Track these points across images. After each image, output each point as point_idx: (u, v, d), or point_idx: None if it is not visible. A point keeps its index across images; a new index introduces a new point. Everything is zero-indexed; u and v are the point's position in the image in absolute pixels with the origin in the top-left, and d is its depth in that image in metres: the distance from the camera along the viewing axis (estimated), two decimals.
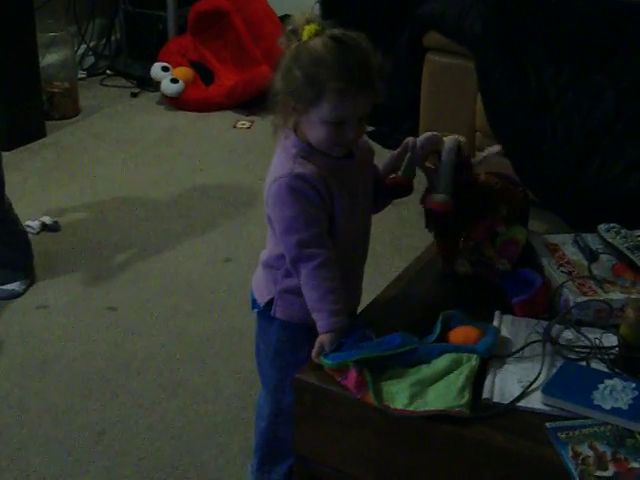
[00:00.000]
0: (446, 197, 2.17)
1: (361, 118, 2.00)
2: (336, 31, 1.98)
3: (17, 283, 3.40)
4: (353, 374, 1.93)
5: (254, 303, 2.26)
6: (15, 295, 3.38)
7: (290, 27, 1.99)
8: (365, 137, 2.20)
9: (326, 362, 1.97)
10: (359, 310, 2.27)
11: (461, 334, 2.05)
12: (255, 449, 2.43)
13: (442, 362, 1.96)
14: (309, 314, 2.07)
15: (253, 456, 2.44)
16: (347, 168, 2.09)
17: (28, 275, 3.45)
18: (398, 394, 1.91)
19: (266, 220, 2.14)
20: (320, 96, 1.94)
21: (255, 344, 2.32)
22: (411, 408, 1.88)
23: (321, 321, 2.02)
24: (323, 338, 2.00)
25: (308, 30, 1.96)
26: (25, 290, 3.41)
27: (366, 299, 2.30)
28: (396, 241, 3.68)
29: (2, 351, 3.09)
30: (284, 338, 2.21)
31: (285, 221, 2.04)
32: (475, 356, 1.96)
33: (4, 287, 3.37)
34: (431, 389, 1.92)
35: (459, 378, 1.91)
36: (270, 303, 2.19)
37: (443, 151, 2.19)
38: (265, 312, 2.22)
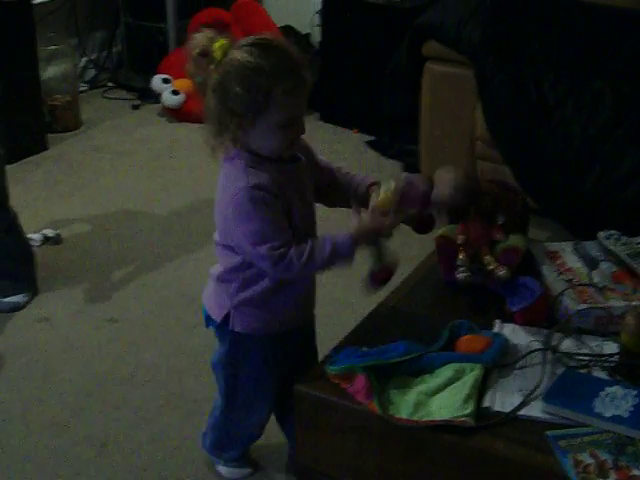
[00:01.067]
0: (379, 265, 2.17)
1: (303, 114, 2.05)
2: (249, 39, 1.99)
3: (20, 295, 3.40)
4: (362, 381, 1.93)
5: (208, 320, 2.29)
6: (17, 308, 3.38)
7: (196, 50, 1.98)
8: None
9: (332, 369, 1.97)
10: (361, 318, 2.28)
11: (468, 343, 2.05)
12: (207, 431, 2.55)
13: (446, 372, 1.97)
14: (265, 323, 2.18)
15: (204, 436, 2.56)
16: (296, 170, 2.12)
17: (31, 287, 3.46)
18: (402, 404, 1.91)
19: (216, 237, 2.18)
20: (268, 103, 1.95)
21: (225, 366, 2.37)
22: (415, 418, 1.88)
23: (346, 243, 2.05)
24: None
25: (219, 46, 1.96)
26: (27, 303, 3.41)
27: (367, 309, 2.30)
28: (395, 251, 3.67)
29: (4, 364, 3.09)
30: (237, 349, 2.26)
31: (252, 234, 2.02)
32: (479, 365, 1.97)
33: (6, 300, 3.37)
34: (435, 399, 1.92)
35: (463, 388, 1.91)
36: (226, 317, 2.21)
37: None
38: (221, 327, 2.25)
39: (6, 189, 3.34)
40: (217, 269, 2.22)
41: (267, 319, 2.19)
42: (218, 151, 2.07)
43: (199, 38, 1.99)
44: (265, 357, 2.25)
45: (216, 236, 2.19)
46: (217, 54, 1.96)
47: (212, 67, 1.97)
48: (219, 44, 1.97)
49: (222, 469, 2.57)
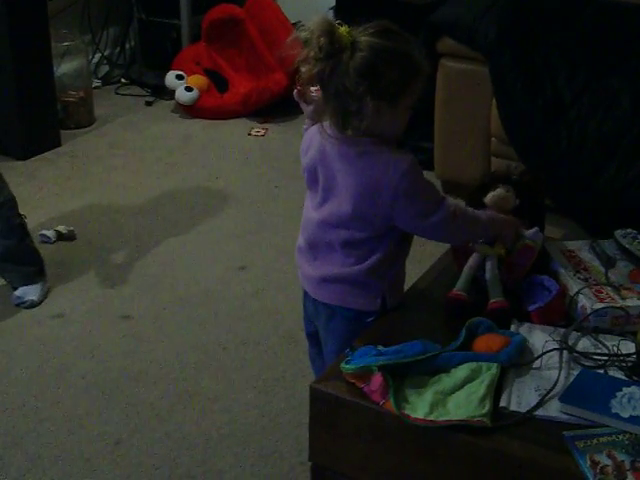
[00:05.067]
0: (500, 299, 2.20)
1: None
2: (373, 25, 2.05)
3: (37, 292, 3.40)
4: (378, 380, 1.91)
5: (358, 315, 2.22)
6: (33, 305, 3.38)
7: (324, 37, 1.97)
8: None
9: (348, 367, 1.96)
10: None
11: (485, 342, 2.03)
12: None
13: (462, 371, 1.95)
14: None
15: None
16: None
17: (45, 286, 3.46)
18: (418, 403, 1.89)
19: (348, 234, 2.15)
20: (413, 83, 2.03)
21: (329, 341, 2.32)
22: (431, 417, 1.86)
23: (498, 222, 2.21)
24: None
25: (347, 32, 2.00)
26: (42, 300, 3.41)
27: None
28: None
29: (18, 360, 3.10)
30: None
31: (430, 202, 2.10)
32: (496, 365, 1.95)
33: (24, 297, 3.38)
34: (451, 398, 1.90)
35: (480, 387, 1.90)
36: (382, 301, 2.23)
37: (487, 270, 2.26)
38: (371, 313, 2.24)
39: (14, 198, 3.35)
40: (359, 268, 2.18)
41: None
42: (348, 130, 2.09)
43: (318, 24, 1.99)
44: None
45: (345, 234, 2.15)
46: (345, 40, 1.99)
47: (347, 52, 1.99)
48: (345, 30, 2.01)
49: None
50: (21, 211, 3.43)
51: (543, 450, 1.79)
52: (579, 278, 2.27)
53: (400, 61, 2.02)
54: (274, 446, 2.69)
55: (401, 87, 2.02)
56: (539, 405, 1.88)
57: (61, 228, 3.87)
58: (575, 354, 2.03)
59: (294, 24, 5.08)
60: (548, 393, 1.91)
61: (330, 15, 5.01)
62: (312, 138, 2.20)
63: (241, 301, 3.44)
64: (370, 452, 1.96)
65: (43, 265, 3.48)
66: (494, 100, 3.74)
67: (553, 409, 1.88)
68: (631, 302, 2.16)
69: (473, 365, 1.95)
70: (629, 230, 2.45)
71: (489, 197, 2.34)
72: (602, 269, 2.32)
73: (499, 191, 2.33)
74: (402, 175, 2.05)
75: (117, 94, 5.53)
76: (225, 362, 3.08)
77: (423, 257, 2.93)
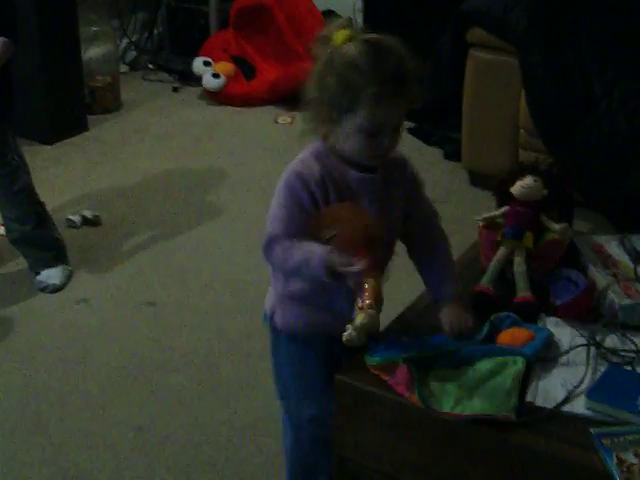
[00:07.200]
0: (527, 293, 2.18)
1: (397, 127, 1.91)
2: (371, 35, 1.90)
3: (59, 275, 3.40)
4: (403, 372, 1.90)
5: (265, 316, 2.19)
6: (57, 289, 3.39)
7: (323, 33, 1.90)
8: (408, 162, 2.09)
9: (373, 359, 1.96)
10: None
11: (509, 336, 2.02)
12: (285, 470, 2.35)
13: (487, 365, 1.94)
14: (308, 324, 2.08)
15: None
16: (361, 182, 1.98)
17: (67, 269, 3.46)
18: (444, 397, 1.88)
19: None
20: (355, 103, 1.85)
21: (272, 359, 2.26)
22: (457, 411, 1.85)
23: (317, 260, 1.91)
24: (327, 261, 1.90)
25: (341, 35, 1.87)
26: (66, 283, 3.42)
27: (406, 300, 2.28)
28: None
29: (42, 345, 3.10)
30: (292, 351, 2.15)
31: (272, 210, 2.01)
32: (521, 359, 1.94)
33: (47, 281, 3.39)
34: (477, 392, 1.89)
35: (506, 382, 1.89)
36: (273, 312, 2.15)
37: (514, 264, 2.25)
38: (272, 323, 2.16)
39: (32, 185, 3.34)
40: None
41: (307, 318, 2.10)
42: (307, 136, 2.00)
43: (333, 23, 1.91)
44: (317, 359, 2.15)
45: None
46: (337, 41, 1.88)
47: (327, 52, 1.89)
48: (342, 32, 1.88)
49: None
50: (47, 195, 3.44)
51: (569, 447, 1.78)
52: (608, 273, 2.25)
53: (343, 72, 1.85)
54: None
55: (339, 99, 1.86)
56: (565, 401, 1.87)
57: (87, 213, 3.88)
58: (603, 350, 2.01)
59: (322, 12, 5.07)
60: (575, 389, 1.89)
61: (359, 5, 5.00)
62: None
63: (266, 289, 3.42)
64: (394, 444, 1.95)
65: (63, 250, 3.48)
66: (523, 92, 3.71)
67: (580, 405, 1.86)
68: None
69: (499, 359, 1.94)
70: None
71: (516, 187, 2.32)
72: (631, 265, 2.30)
73: (527, 180, 2.31)
74: (282, 178, 2.03)
75: (144, 80, 5.54)
76: (249, 350, 3.08)
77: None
